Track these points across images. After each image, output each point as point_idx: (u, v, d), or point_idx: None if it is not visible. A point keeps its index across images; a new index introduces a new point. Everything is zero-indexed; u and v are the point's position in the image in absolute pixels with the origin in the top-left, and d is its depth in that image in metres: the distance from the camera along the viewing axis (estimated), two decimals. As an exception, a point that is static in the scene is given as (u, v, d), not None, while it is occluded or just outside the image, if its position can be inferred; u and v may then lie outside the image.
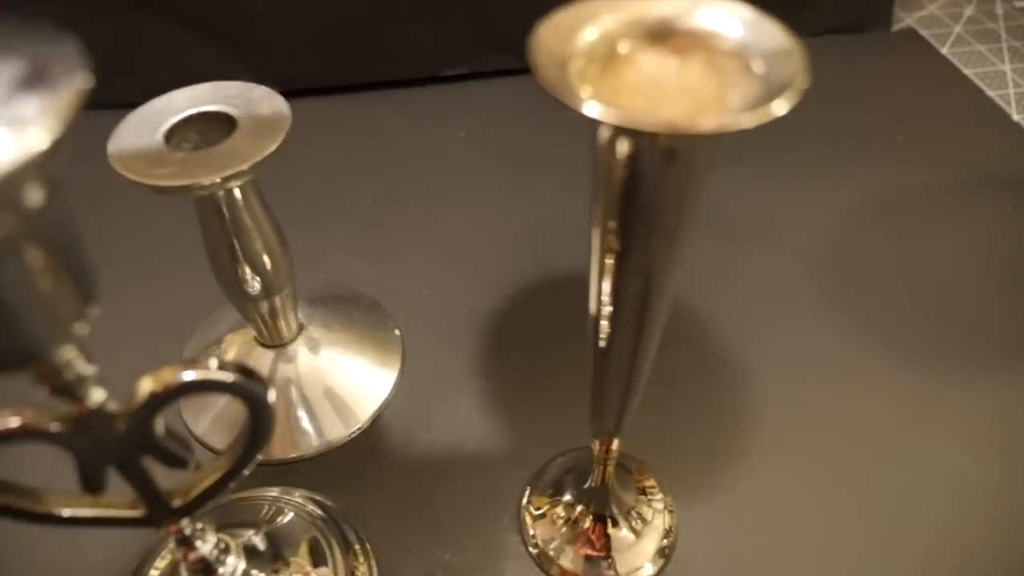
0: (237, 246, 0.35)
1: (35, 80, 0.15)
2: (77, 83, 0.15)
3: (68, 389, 0.20)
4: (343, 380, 0.43)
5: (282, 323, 0.41)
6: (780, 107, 0.18)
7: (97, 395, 0.21)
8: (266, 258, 0.36)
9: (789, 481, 0.39)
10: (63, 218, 0.17)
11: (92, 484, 0.23)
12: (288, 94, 0.34)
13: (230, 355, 0.43)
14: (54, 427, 0.21)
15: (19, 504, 0.23)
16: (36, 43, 0.16)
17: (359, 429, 0.41)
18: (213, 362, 0.22)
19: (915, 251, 0.51)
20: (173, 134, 0.32)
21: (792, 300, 0.48)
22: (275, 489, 0.37)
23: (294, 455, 0.40)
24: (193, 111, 0.32)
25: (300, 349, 0.42)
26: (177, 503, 0.26)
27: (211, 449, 0.40)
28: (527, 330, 0.47)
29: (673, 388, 0.42)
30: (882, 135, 0.60)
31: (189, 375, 0.22)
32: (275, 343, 0.42)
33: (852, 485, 0.39)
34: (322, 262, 0.50)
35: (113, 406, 0.22)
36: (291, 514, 0.36)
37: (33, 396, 0.21)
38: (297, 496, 0.37)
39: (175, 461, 0.24)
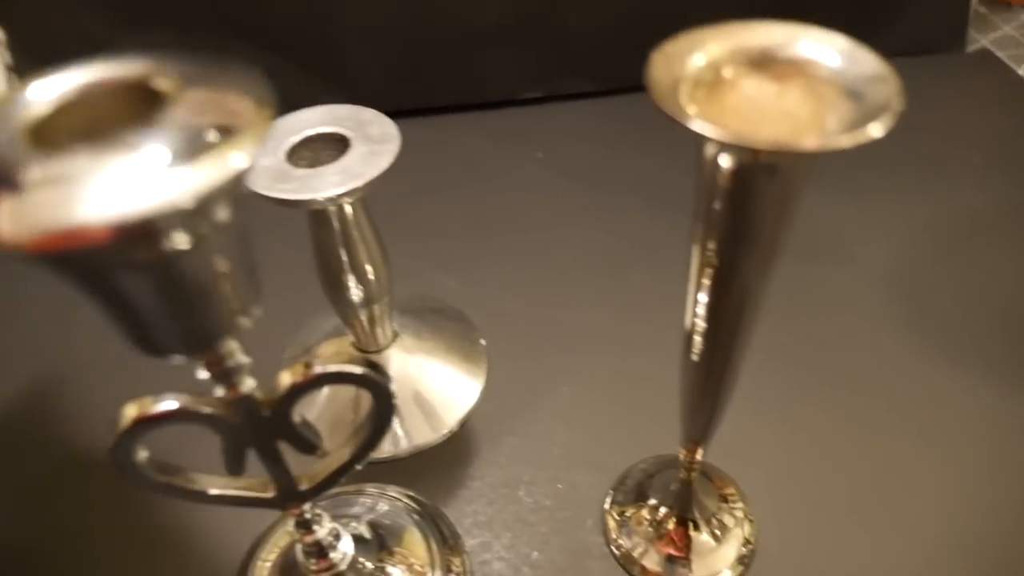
0: (345, 257, 0.38)
1: (236, 107, 0.17)
2: (269, 110, 0.18)
3: (227, 376, 0.23)
4: (432, 386, 0.45)
5: (379, 330, 0.43)
6: (877, 129, 0.19)
7: (249, 383, 0.24)
8: (370, 268, 0.39)
9: (869, 497, 0.40)
10: (242, 228, 0.20)
11: (234, 465, 0.26)
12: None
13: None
14: (207, 410, 0.24)
15: (178, 483, 0.26)
16: (232, 76, 0.18)
17: (448, 433, 0.43)
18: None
19: (992, 272, 0.51)
20: (292, 153, 0.35)
21: (867, 319, 0.49)
22: (373, 485, 0.40)
23: (386, 455, 0.43)
24: (312, 132, 0.35)
25: (393, 355, 0.45)
26: (303, 487, 0.28)
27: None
28: (606, 341, 0.48)
29: (754, 401, 0.43)
30: (958, 157, 0.61)
31: (325, 368, 0.25)
32: (371, 349, 0.44)
33: (933, 503, 0.39)
34: (412, 274, 0.52)
35: (259, 394, 0.25)
36: (389, 507, 0.38)
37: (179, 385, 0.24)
38: (393, 492, 0.39)
39: (307, 447, 0.26)
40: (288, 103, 0.38)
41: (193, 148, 0.16)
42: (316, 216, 0.36)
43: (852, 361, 0.46)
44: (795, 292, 0.50)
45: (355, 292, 0.39)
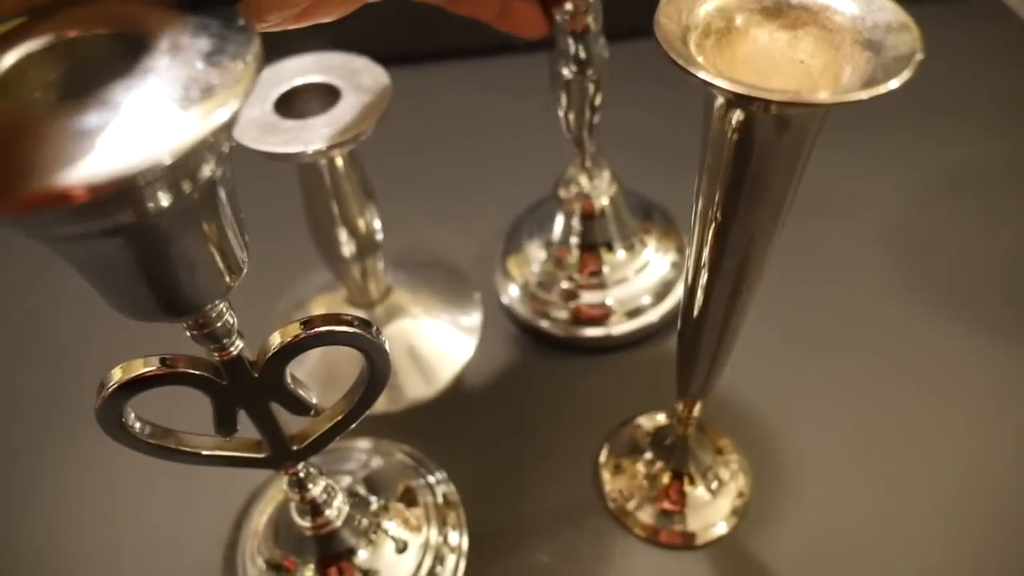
0: (336, 210, 0.37)
1: (219, 55, 0.16)
2: (254, 56, 0.16)
3: (215, 338, 0.22)
4: (427, 340, 0.44)
5: (372, 284, 0.42)
6: (895, 82, 0.18)
7: (238, 345, 0.23)
8: (361, 222, 0.38)
9: (862, 451, 0.40)
10: (228, 185, 0.19)
11: (225, 427, 0.25)
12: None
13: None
14: (195, 372, 0.24)
15: (172, 445, 0.25)
16: (215, 21, 0.17)
17: (442, 387, 0.43)
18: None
19: (991, 224, 0.51)
20: (281, 103, 0.34)
21: (865, 274, 0.48)
22: (367, 440, 0.40)
23: (380, 411, 0.42)
24: (300, 81, 0.34)
25: (387, 310, 0.44)
26: (296, 447, 0.28)
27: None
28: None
29: (751, 354, 0.43)
30: (958, 107, 0.59)
31: (316, 328, 0.24)
32: (364, 304, 0.44)
33: (927, 456, 0.39)
34: (405, 227, 0.51)
35: (249, 355, 0.24)
36: (383, 462, 0.38)
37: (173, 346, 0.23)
38: (387, 446, 0.39)
39: (300, 408, 0.26)
40: (275, 49, 0.36)
41: (174, 102, 0.15)
42: (305, 169, 0.35)
43: (850, 317, 0.46)
44: (792, 247, 0.49)
45: (347, 246, 0.38)
